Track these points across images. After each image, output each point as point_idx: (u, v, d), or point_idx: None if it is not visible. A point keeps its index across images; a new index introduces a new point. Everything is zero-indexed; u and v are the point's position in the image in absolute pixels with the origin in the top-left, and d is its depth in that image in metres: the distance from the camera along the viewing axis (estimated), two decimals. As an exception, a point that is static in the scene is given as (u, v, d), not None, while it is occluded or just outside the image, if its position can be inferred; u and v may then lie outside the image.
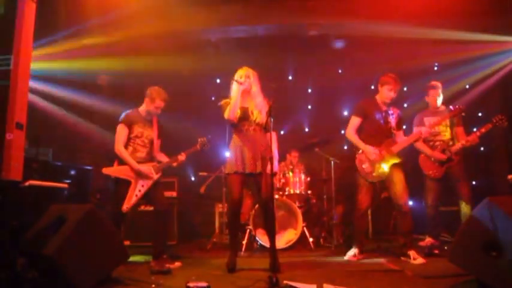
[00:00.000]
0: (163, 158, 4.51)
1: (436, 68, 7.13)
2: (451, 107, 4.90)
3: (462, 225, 3.30)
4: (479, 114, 6.79)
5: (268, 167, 3.68)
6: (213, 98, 6.54)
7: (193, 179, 7.05)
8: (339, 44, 6.73)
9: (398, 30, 6.10)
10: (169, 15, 5.71)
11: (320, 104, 7.37)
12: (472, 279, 3.07)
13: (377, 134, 4.50)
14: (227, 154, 4.04)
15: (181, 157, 4.48)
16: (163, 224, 4.33)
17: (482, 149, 6.47)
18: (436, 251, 4.60)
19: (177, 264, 4.18)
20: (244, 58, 6.76)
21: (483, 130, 4.72)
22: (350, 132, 4.60)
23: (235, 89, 3.95)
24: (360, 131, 4.59)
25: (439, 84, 5.09)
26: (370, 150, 4.44)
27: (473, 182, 5.94)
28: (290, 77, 7.51)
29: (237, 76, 3.99)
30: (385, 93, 4.52)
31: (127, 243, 5.53)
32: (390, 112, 4.58)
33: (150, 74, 6.16)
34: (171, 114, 4.94)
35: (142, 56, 6.40)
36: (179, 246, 5.79)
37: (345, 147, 6.83)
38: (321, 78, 7.40)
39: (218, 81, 7.18)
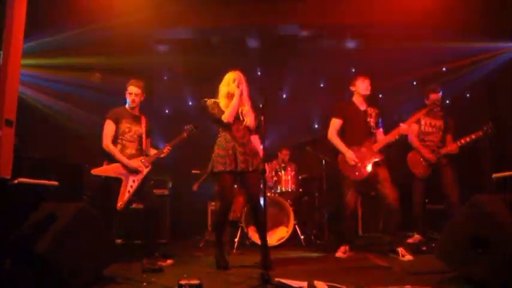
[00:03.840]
0: (152, 153, 4.49)
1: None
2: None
3: (449, 223, 3.34)
4: (466, 114, 6.87)
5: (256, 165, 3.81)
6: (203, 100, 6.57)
7: (185, 176, 7.01)
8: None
9: (395, 31, 6.17)
10: (166, 9, 5.69)
11: (313, 103, 7.39)
12: (458, 275, 3.11)
13: (358, 133, 4.55)
14: (216, 152, 3.98)
15: (167, 148, 4.45)
16: (154, 222, 4.30)
17: (470, 148, 6.53)
18: (424, 248, 4.67)
19: (169, 262, 4.17)
20: (237, 57, 6.80)
21: (473, 137, 4.85)
22: (332, 134, 4.66)
23: (235, 93, 3.94)
24: (341, 132, 4.65)
25: (439, 89, 5.17)
26: (350, 155, 4.49)
27: (460, 181, 6.00)
28: (284, 76, 7.53)
29: (230, 80, 4.02)
30: (361, 86, 4.60)
31: (119, 241, 5.50)
32: (369, 112, 4.64)
33: (145, 72, 6.17)
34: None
35: (139, 53, 6.41)
36: (171, 244, 5.77)
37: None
38: (314, 77, 7.43)
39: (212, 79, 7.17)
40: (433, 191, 5.16)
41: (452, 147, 4.92)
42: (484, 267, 2.83)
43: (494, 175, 3.87)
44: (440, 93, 5.11)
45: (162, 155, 4.45)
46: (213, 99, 4.05)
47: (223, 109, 3.97)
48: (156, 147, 4.64)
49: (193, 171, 6.12)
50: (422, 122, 5.12)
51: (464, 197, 3.20)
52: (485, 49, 6.31)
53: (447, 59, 6.73)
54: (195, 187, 5.89)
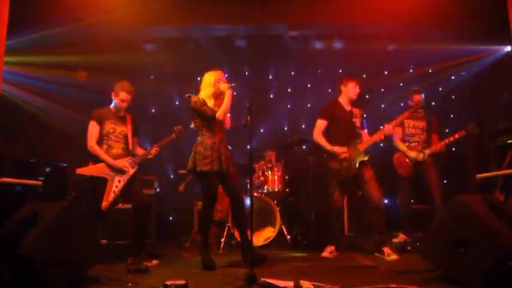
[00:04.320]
0: (139, 153, 4.46)
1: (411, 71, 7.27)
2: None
3: (433, 223, 3.39)
4: (451, 115, 6.97)
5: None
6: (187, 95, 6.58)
7: (172, 176, 7.00)
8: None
9: (382, 32, 6.23)
10: (153, 7, 5.65)
11: (300, 103, 7.42)
12: (442, 274, 3.15)
13: (343, 134, 4.60)
14: (200, 152, 3.95)
15: (155, 149, 4.40)
16: (141, 221, 4.27)
17: (453, 149, 6.64)
18: (409, 248, 4.73)
19: (155, 262, 4.15)
20: (225, 57, 6.80)
21: (457, 136, 4.90)
22: (317, 135, 4.69)
23: (227, 92, 3.95)
24: (326, 133, 4.69)
25: (421, 89, 5.24)
26: (337, 150, 4.53)
27: (445, 181, 6.09)
28: (270, 76, 7.53)
29: (215, 80, 4.03)
30: (352, 89, 4.65)
31: (104, 242, 5.46)
32: (354, 112, 4.69)
33: (132, 70, 6.13)
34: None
35: (125, 52, 6.36)
36: (157, 244, 5.74)
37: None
38: (302, 77, 7.46)
39: (199, 79, 7.14)
40: (418, 191, 5.23)
41: (437, 146, 4.98)
42: (466, 267, 2.88)
43: (477, 176, 3.94)
44: (423, 95, 5.19)
45: (149, 156, 4.41)
46: (197, 96, 4.03)
47: (214, 108, 3.97)
48: (142, 147, 4.60)
49: (180, 171, 6.09)
50: (406, 124, 5.21)
51: (449, 197, 3.25)
52: (470, 51, 6.41)
53: (433, 61, 6.81)
54: (181, 187, 5.86)
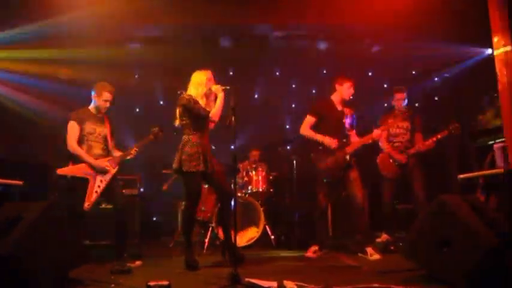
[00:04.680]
0: (119, 154, 4.43)
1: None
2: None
3: (415, 223, 3.43)
4: (434, 116, 7.07)
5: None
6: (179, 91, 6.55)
7: (156, 176, 6.93)
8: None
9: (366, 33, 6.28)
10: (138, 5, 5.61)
11: (284, 103, 7.44)
12: (424, 273, 3.19)
13: (332, 133, 4.58)
14: (188, 152, 3.94)
15: (134, 150, 4.39)
16: (123, 222, 4.25)
17: (436, 149, 6.73)
18: (392, 247, 4.77)
19: (138, 263, 4.12)
20: (209, 56, 6.78)
21: (439, 136, 4.95)
22: (304, 129, 4.67)
23: (219, 95, 3.97)
24: (314, 130, 4.66)
25: (404, 88, 5.28)
26: (328, 140, 4.50)
27: (428, 181, 6.17)
28: (255, 77, 7.53)
29: (205, 79, 4.04)
30: (346, 90, 4.62)
31: (86, 242, 5.39)
32: (345, 113, 4.69)
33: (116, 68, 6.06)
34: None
35: (109, 49, 6.29)
36: (140, 245, 5.68)
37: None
38: (286, 77, 7.48)
39: (184, 78, 7.11)
40: (401, 191, 5.29)
41: (428, 143, 5.00)
42: (448, 266, 2.93)
43: (459, 176, 4.00)
44: (405, 93, 5.24)
45: (129, 156, 4.40)
46: (189, 94, 4.02)
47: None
48: (125, 147, 4.58)
49: (163, 171, 6.06)
50: (390, 125, 5.19)
51: (432, 197, 3.30)
52: (453, 53, 6.50)
53: (416, 62, 6.90)
54: (165, 187, 5.83)
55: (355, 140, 4.65)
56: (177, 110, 4.07)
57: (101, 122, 4.37)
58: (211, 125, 4.17)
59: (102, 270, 3.74)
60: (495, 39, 3.57)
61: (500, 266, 2.77)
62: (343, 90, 4.64)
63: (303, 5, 5.89)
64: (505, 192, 3.31)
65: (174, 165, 3.98)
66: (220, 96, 3.97)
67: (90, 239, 5.50)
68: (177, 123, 4.10)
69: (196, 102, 3.95)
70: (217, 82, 4.08)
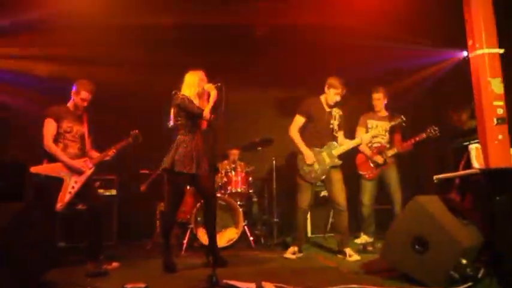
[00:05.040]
0: (96, 155, 4.37)
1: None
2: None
3: (392, 224, 3.47)
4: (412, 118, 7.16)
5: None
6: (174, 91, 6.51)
7: (133, 176, 6.84)
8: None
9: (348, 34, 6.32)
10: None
11: (265, 103, 7.42)
12: (402, 274, 3.22)
13: (320, 134, 4.60)
14: (181, 152, 3.94)
15: (112, 151, 4.33)
16: (98, 223, 4.15)
17: (414, 151, 6.83)
18: (370, 248, 4.82)
19: (115, 265, 4.07)
20: (191, 53, 6.70)
21: (417, 139, 5.06)
22: (293, 131, 4.65)
23: (212, 93, 3.97)
24: (303, 130, 4.66)
25: (382, 89, 5.34)
26: (308, 155, 4.52)
27: (405, 182, 6.25)
28: (235, 75, 7.49)
29: (198, 80, 4.07)
30: (331, 96, 4.60)
31: (61, 244, 5.30)
32: (333, 113, 4.69)
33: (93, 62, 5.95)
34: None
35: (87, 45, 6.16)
36: (117, 246, 5.62)
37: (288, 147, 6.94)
38: (266, 78, 7.46)
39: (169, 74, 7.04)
40: (380, 192, 5.34)
41: (406, 144, 5.11)
42: (425, 267, 2.97)
43: (435, 176, 4.06)
44: (382, 93, 5.30)
45: (106, 158, 4.34)
46: (183, 93, 4.03)
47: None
48: (100, 146, 4.48)
49: (141, 171, 5.99)
50: (369, 125, 5.29)
51: (410, 197, 3.34)
52: (431, 55, 6.60)
53: (393, 64, 6.96)
54: (143, 187, 5.76)
55: (343, 144, 4.63)
56: (172, 110, 4.08)
57: (79, 120, 4.27)
58: (204, 125, 4.17)
59: (78, 273, 3.69)
60: (470, 42, 3.63)
61: (475, 267, 2.83)
62: (328, 95, 4.62)
63: (284, 5, 5.91)
64: (479, 192, 3.38)
65: (166, 165, 3.95)
66: (213, 94, 3.97)
67: (66, 240, 5.43)
68: (171, 123, 4.10)
69: (191, 101, 3.98)
70: (215, 82, 4.08)
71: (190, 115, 3.98)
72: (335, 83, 4.57)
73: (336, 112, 4.72)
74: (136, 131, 4.51)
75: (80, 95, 4.17)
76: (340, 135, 4.72)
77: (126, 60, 6.66)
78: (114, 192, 5.97)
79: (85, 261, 3.98)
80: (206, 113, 3.94)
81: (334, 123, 4.66)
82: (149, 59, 6.61)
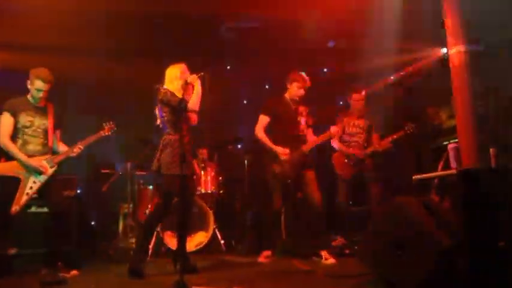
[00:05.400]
0: (65, 149, 4.28)
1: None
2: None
3: (370, 225, 3.57)
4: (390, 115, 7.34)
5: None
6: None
7: (95, 176, 6.76)
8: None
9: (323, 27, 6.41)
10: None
11: (235, 99, 7.45)
12: (379, 277, 3.31)
13: (287, 133, 4.68)
14: (171, 153, 3.95)
15: (78, 147, 4.25)
16: (59, 227, 4.04)
17: (392, 150, 7.00)
18: (347, 251, 4.92)
19: (74, 272, 4.05)
20: (154, 43, 6.66)
21: (395, 136, 5.22)
22: (259, 131, 4.74)
23: (196, 83, 4.00)
24: (269, 130, 4.75)
25: (362, 89, 5.49)
26: (280, 150, 4.60)
27: (383, 183, 6.41)
28: (203, 69, 7.49)
29: (180, 73, 4.10)
30: (295, 91, 4.72)
31: (13, 251, 5.18)
32: (300, 110, 4.80)
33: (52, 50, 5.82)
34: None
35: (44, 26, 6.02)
36: (77, 252, 5.54)
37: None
38: (236, 72, 7.49)
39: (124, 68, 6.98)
40: (357, 192, 5.47)
41: (384, 143, 5.27)
42: (402, 269, 3.08)
43: (414, 177, 4.19)
44: (363, 92, 5.44)
45: (72, 155, 4.24)
46: (165, 88, 4.05)
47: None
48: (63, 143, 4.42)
49: (102, 171, 5.93)
50: (346, 123, 5.40)
51: (389, 198, 3.46)
52: (409, 51, 6.77)
53: (371, 60, 7.11)
54: (104, 187, 5.71)
55: (311, 139, 4.76)
56: (156, 108, 4.09)
57: (42, 113, 4.13)
58: (194, 120, 4.17)
59: (32, 282, 3.62)
60: (449, 39, 3.76)
61: (454, 269, 2.95)
62: (292, 90, 4.75)
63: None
64: (457, 193, 3.50)
65: (154, 167, 3.98)
66: (197, 84, 4.00)
67: (18, 246, 5.31)
68: (158, 121, 4.11)
69: (173, 94, 3.99)
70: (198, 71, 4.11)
71: (175, 110, 3.96)
72: (297, 77, 4.72)
73: (303, 108, 4.82)
74: (111, 122, 4.46)
75: (34, 85, 4.01)
76: (309, 132, 4.83)
77: (89, 49, 6.55)
78: (73, 193, 5.86)
79: (40, 269, 3.88)
80: (191, 105, 3.96)
81: (302, 120, 4.77)
82: (112, 46, 6.52)
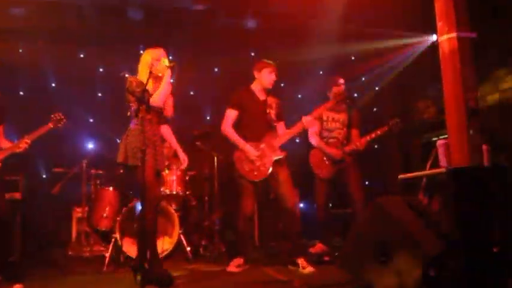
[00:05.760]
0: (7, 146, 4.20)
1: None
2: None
3: (352, 230, 3.52)
4: (374, 109, 7.35)
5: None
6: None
7: (44, 176, 6.59)
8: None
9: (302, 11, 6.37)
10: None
11: (204, 89, 7.35)
12: (362, 286, 3.27)
13: (257, 127, 4.65)
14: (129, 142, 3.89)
15: (24, 142, 4.16)
16: (1, 235, 3.97)
17: (376, 146, 7.00)
18: (327, 258, 4.89)
19: (17, 287, 3.88)
20: (115, 30, 6.52)
21: (378, 132, 5.19)
22: (226, 127, 4.69)
23: (166, 73, 3.96)
24: (238, 124, 4.70)
25: (342, 81, 5.41)
26: (249, 149, 4.55)
27: (366, 182, 6.40)
28: (170, 57, 7.36)
29: (153, 58, 4.03)
30: (267, 77, 4.69)
31: None
32: (269, 102, 4.76)
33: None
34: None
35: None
36: (21, 263, 5.34)
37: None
38: (207, 60, 7.39)
39: (82, 56, 6.82)
40: (337, 194, 5.42)
41: (357, 143, 5.19)
42: (387, 277, 3.01)
43: (400, 176, 4.16)
44: (343, 86, 5.38)
45: (17, 150, 4.16)
46: (134, 76, 4.00)
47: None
48: (8, 139, 4.32)
49: (54, 170, 5.76)
50: (325, 118, 5.32)
51: (372, 199, 3.40)
52: (396, 40, 6.78)
53: (356, 48, 7.10)
54: (55, 189, 5.54)
55: (283, 132, 4.70)
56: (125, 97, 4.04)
57: None
58: (169, 113, 4.18)
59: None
60: (439, 24, 3.72)
61: (444, 273, 2.90)
62: (263, 78, 4.71)
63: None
64: (448, 192, 3.48)
65: (119, 159, 3.93)
66: (166, 75, 3.95)
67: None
68: (128, 113, 4.05)
69: (138, 84, 3.90)
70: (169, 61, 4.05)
71: (139, 100, 3.89)
72: (264, 63, 4.73)
73: (272, 100, 4.79)
74: (59, 114, 4.41)
75: None
76: (280, 125, 4.80)
77: (42, 35, 6.39)
78: (18, 196, 5.66)
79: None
80: (154, 101, 3.89)
81: (271, 113, 4.73)
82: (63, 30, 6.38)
